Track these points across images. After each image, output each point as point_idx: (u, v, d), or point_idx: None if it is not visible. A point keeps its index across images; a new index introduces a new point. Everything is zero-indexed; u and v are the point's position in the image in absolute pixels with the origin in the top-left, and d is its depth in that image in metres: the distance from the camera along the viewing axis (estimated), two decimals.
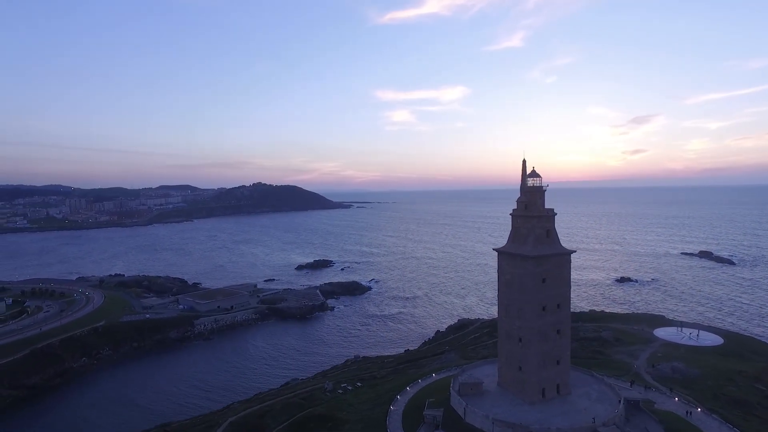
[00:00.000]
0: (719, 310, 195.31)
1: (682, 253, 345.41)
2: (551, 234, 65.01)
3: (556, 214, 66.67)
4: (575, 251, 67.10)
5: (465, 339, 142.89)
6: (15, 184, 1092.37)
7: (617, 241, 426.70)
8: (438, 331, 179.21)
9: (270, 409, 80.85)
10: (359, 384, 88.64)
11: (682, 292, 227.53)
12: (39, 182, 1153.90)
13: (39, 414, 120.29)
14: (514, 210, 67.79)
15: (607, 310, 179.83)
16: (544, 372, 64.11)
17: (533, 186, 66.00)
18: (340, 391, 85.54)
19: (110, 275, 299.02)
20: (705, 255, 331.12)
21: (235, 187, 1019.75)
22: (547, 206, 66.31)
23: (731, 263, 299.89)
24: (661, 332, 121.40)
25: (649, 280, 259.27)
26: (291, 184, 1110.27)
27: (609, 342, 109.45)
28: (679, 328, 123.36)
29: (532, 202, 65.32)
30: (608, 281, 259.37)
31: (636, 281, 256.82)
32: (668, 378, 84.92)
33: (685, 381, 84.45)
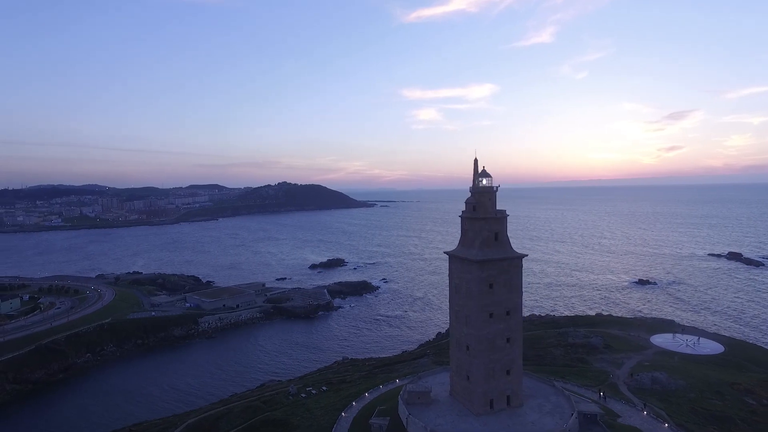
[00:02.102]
0: (732, 315, 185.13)
1: (708, 254, 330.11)
2: (500, 237, 61.65)
3: (507, 215, 63.22)
4: (526, 255, 63.53)
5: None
6: (55, 183, 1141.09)
7: (640, 241, 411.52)
8: (439, 332, 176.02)
9: (229, 412, 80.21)
10: (324, 388, 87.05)
11: (700, 296, 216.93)
12: (77, 182, 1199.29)
13: (38, 408, 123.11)
14: (462, 212, 64.74)
15: (614, 314, 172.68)
16: (492, 382, 60.89)
17: (482, 186, 62.76)
18: (304, 395, 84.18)
19: (128, 272, 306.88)
20: (734, 257, 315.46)
21: (261, 187, 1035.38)
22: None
23: (761, 265, 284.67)
24: (658, 339, 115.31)
25: (669, 282, 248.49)
26: (317, 183, 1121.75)
27: (597, 348, 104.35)
28: (674, 335, 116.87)
29: (480, 204, 62.08)
30: (624, 283, 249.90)
31: (654, 283, 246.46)
32: (646, 389, 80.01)
33: (665, 393, 79.38)
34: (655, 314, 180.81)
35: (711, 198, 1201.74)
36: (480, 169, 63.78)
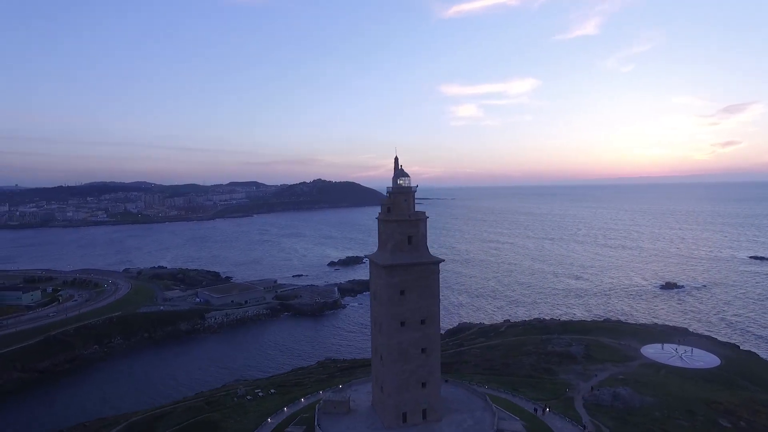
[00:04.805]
0: (753, 326, 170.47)
1: (750, 257, 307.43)
2: (415, 240, 57.79)
3: (427, 217, 59.29)
4: (443, 260, 59.37)
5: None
6: (107, 181, 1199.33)
7: (677, 241, 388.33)
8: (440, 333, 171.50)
9: (173, 411, 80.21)
10: (273, 391, 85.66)
11: (726, 303, 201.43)
12: (127, 179, 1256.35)
13: (36, 397, 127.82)
14: (379, 213, 61.28)
15: (623, 320, 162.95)
16: (405, 394, 57.28)
17: (399, 186, 59.06)
18: (249, 398, 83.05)
19: (152, 267, 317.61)
20: None
21: (296, 184, 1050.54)
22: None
23: None
24: (650, 349, 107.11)
25: (699, 286, 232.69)
26: (354, 180, 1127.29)
27: (573, 358, 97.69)
28: (663, 345, 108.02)
29: (395, 205, 58.47)
30: (649, 286, 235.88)
31: (682, 287, 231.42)
32: (605, 406, 73.71)
33: (626, 411, 72.89)
34: (670, 321, 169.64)
35: (766, 195, 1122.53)
36: (398, 168, 60.12)
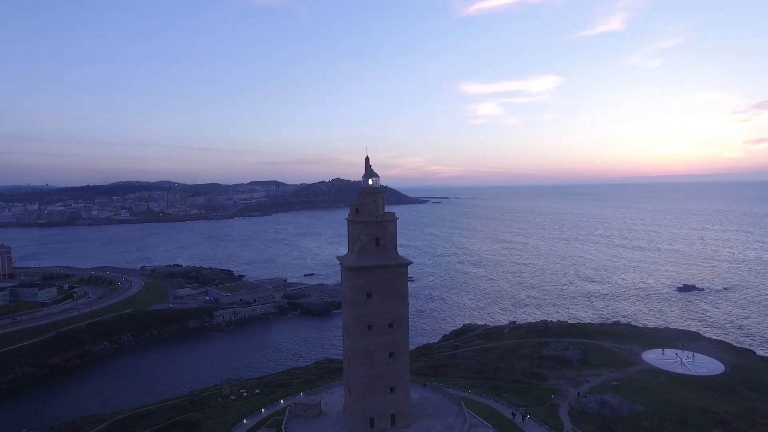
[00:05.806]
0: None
1: None
2: (382, 242, 56.49)
3: (397, 219, 58.01)
4: (411, 263, 57.87)
5: (433, 347, 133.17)
6: (132, 180, 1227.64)
7: (698, 242, 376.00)
8: (444, 335, 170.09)
9: (158, 410, 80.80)
10: (257, 391, 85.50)
11: (744, 306, 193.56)
12: (152, 178, 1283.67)
13: (45, 394, 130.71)
14: (348, 214, 60.23)
15: (633, 323, 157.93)
16: (372, 399, 56.09)
17: (367, 187, 57.90)
18: (233, 398, 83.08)
19: (168, 265, 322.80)
20: None
21: (315, 183, 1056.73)
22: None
23: None
24: (650, 354, 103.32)
25: (719, 289, 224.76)
26: None
27: (568, 363, 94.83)
28: (663, 350, 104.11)
29: (363, 206, 57.32)
30: (664, 289, 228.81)
31: (702, 290, 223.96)
32: (591, 414, 71.15)
33: (613, 419, 70.21)
34: (682, 325, 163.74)
35: None
36: (368, 168, 58.95)
